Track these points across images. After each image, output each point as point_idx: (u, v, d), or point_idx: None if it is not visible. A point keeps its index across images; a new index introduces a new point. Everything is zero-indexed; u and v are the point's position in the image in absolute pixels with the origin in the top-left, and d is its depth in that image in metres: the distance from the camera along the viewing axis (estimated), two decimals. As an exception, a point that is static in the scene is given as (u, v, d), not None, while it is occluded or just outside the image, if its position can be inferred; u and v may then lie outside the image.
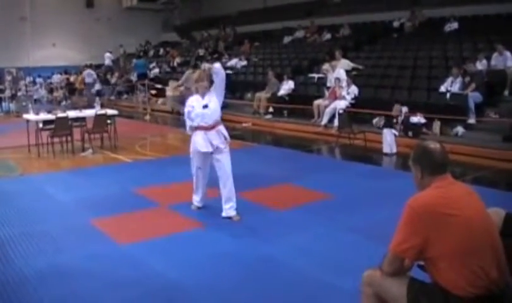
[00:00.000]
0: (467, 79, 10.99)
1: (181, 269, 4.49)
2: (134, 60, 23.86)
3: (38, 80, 24.57)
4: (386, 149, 9.80)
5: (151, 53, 26.57)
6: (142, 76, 21.42)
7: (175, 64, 23.04)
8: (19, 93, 20.56)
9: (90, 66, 23.66)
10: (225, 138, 5.82)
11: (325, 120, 12.38)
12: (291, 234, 5.33)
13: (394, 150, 9.78)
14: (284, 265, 4.56)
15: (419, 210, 2.50)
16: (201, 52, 22.68)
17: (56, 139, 10.25)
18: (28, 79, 23.93)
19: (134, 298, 3.97)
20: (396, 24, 16.60)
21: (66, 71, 25.54)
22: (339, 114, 11.39)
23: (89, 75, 22.63)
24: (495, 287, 2.44)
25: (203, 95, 5.80)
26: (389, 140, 9.83)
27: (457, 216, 2.46)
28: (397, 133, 10.15)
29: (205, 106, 5.73)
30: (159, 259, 4.71)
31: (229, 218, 5.78)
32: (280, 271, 4.42)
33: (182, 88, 18.67)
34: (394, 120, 10.78)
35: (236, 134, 11.05)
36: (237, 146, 9.44)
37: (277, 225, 5.59)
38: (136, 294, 4.02)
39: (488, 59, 11.55)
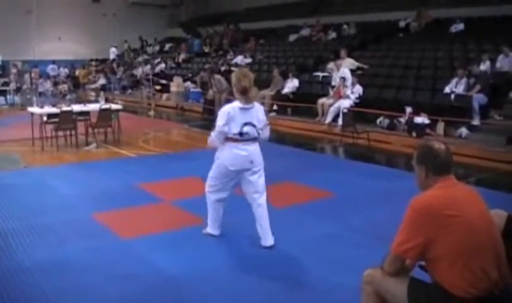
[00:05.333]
0: (472, 80, 10.96)
1: (183, 265, 4.50)
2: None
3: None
4: None
5: (155, 49, 26.52)
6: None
7: (180, 60, 23.07)
8: (24, 86, 20.57)
9: (96, 60, 25.23)
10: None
11: (329, 119, 12.36)
12: (292, 232, 5.35)
13: None
14: (285, 262, 4.58)
15: (421, 211, 2.51)
16: (206, 48, 22.67)
17: (60, 133, 10.27)
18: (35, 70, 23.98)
19: (135, 292, 3.98)
20: (401, 24, 16.58)
21: (72, 65, 25.97)
22: (343, 113, 11.37)
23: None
24: (496, 289, 2.44)
25: (249, 104, 4.66)
26: None
27: (459, 217, 2.46)
28: None
29: (249, 124, 4.64)
30: (161, 254, 4.73)
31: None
32: (281, 269, 4.43)
33: (186, 84, 18.77)
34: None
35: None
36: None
37: (279, 223, 5.57)
38: (137, 289, 4.04)
39: (493, 60, 11.53)
